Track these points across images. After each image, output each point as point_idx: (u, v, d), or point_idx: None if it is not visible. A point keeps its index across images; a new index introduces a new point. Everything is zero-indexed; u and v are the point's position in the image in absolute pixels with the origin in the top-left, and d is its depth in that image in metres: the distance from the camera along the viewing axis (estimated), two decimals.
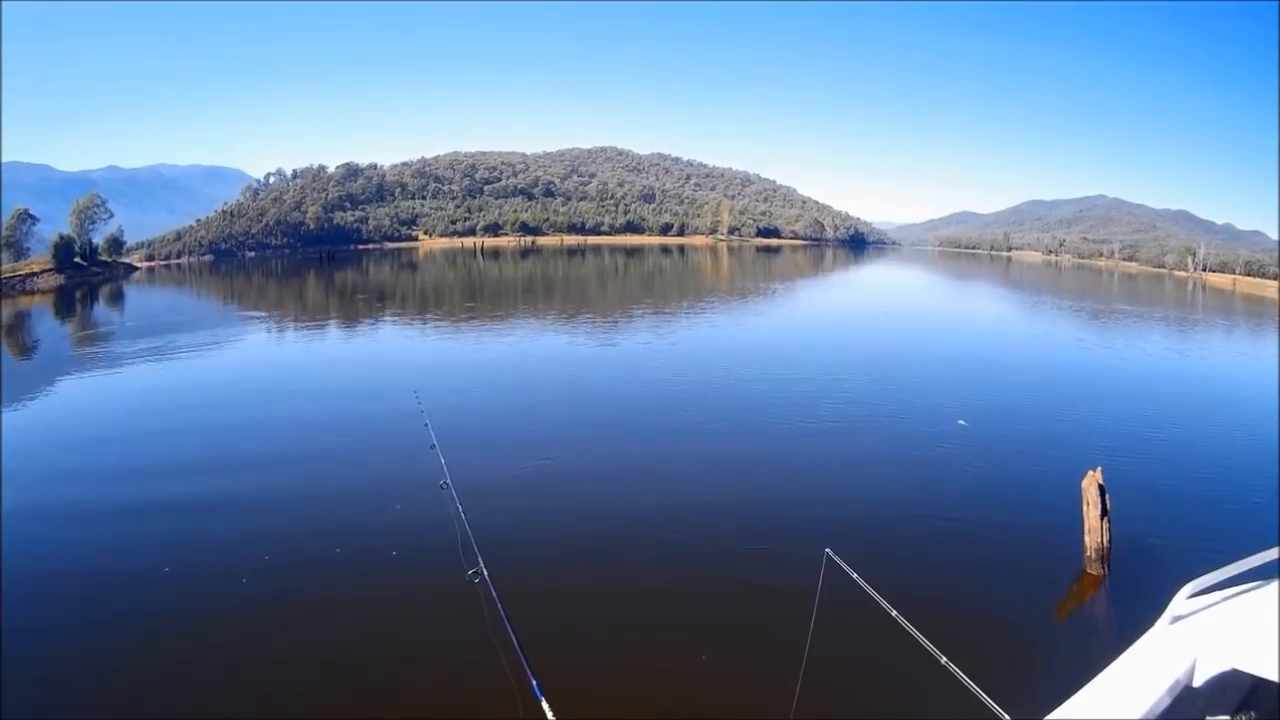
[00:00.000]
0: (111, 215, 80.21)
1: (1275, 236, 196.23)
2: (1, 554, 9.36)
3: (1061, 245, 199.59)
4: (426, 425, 9.66)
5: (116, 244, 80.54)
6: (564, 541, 9.99)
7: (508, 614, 5.24)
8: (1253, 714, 3.77)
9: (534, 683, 4.25)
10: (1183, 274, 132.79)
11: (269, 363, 24.55)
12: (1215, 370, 28.14)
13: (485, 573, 5.88)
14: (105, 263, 75.28)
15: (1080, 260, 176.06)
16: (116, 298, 52.89)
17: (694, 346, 27.45)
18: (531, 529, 10.23)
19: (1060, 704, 3.29)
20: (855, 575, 4.67)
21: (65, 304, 48.80)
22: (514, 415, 16.56)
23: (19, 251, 67.19)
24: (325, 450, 13.79)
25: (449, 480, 7.80)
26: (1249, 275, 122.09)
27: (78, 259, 70.29)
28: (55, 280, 62.67)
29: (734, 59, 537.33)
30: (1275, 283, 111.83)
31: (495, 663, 6.11)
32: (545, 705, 4.00)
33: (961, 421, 16.49)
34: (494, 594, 5.50)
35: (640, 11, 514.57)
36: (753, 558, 9.60)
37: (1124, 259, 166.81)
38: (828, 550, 4.85)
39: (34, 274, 62.51)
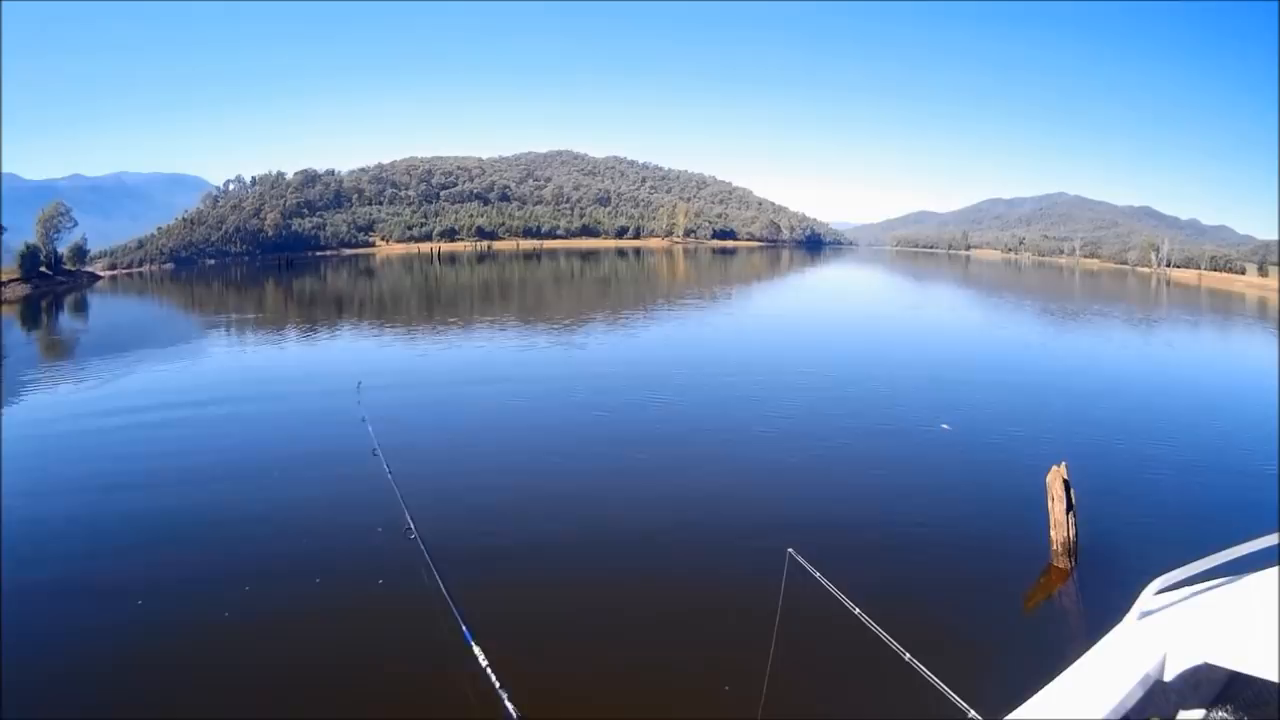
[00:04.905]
0: (75, 224, 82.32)
1: (1241, 231, 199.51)
2: (1, 557, 9.63)
3: (1021, 243, 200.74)
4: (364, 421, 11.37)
5: (80, 253, 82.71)
6: (520, 541, 10.23)
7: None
8: (1229, 708, 3.76)
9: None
10: (1146, 270, 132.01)
11: (239, 370, 24.66)
12: (1183, 368, 28.68)
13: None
14: (69, 272, 77.50)
15: (1040, 258, 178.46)
16: (80, 307, 55.46)
17: (654, 350, 28.23)
18: (487, 527, 10.62)
19: (1028, 699, 3.27)
20: (817, 574, 4.61)
21: (33, 315, 50.73)
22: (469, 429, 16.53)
23: None
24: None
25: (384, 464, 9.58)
26: (1215, 270, 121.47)
27: (43, 268, 72.60)
28: (22, 290, 64.89)
29: (690, 61, 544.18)
30: (1242, 277, 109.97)
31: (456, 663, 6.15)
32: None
33: (945, 425, 16.37)
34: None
35: (596, 11, 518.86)
36: (717, 557, 9.83)
37: (1085, 256, 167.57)
38: (790, 549, 4.74)
39: (1, 284, 65.00)
